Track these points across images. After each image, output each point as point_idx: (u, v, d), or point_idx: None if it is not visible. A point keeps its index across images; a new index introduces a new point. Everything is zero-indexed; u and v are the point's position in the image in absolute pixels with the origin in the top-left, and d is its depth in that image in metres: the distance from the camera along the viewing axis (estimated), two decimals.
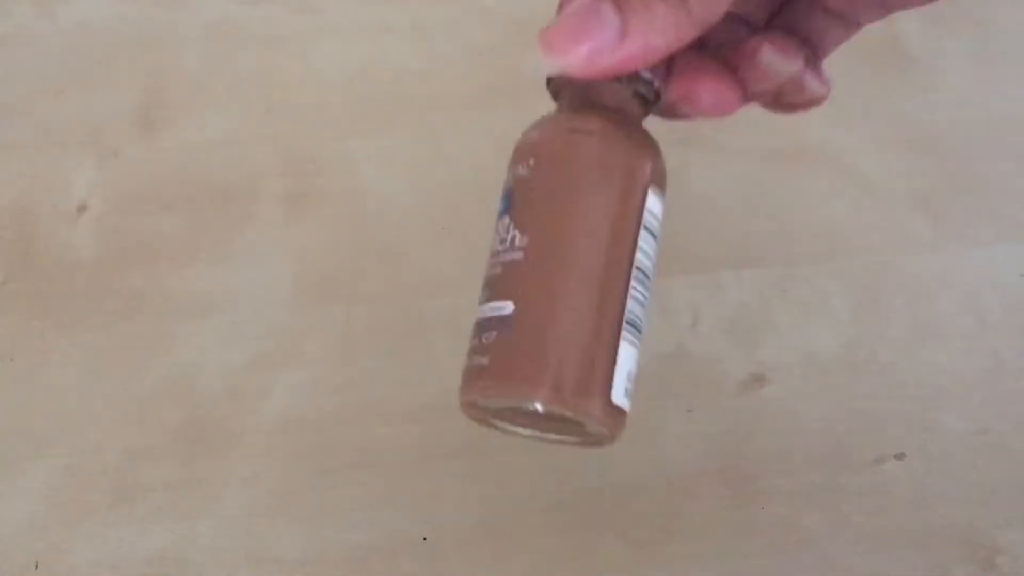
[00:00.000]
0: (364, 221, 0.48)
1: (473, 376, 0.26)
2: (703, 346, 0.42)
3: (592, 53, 0.25)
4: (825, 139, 0.54)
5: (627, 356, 0.27)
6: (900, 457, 0.37)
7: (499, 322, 0.26)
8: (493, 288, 0.27)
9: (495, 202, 0.28)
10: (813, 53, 0.30)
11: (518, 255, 0.26)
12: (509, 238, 0.27)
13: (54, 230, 0.48)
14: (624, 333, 0.27)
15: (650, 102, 0.28)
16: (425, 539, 0.34)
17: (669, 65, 0.28)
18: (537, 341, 0.26)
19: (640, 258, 0.27)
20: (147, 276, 0.45)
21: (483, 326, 0.27)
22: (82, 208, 0.49)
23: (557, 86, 0.28)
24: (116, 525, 0.35)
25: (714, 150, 0.53)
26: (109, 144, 0.53)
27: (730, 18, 0.30)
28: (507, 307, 0.26)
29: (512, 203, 0.27)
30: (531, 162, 0.27)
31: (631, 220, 0.27)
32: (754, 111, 0.31)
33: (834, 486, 0.36)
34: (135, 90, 0.57)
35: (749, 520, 0.35)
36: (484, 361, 0.26)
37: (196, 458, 0.37)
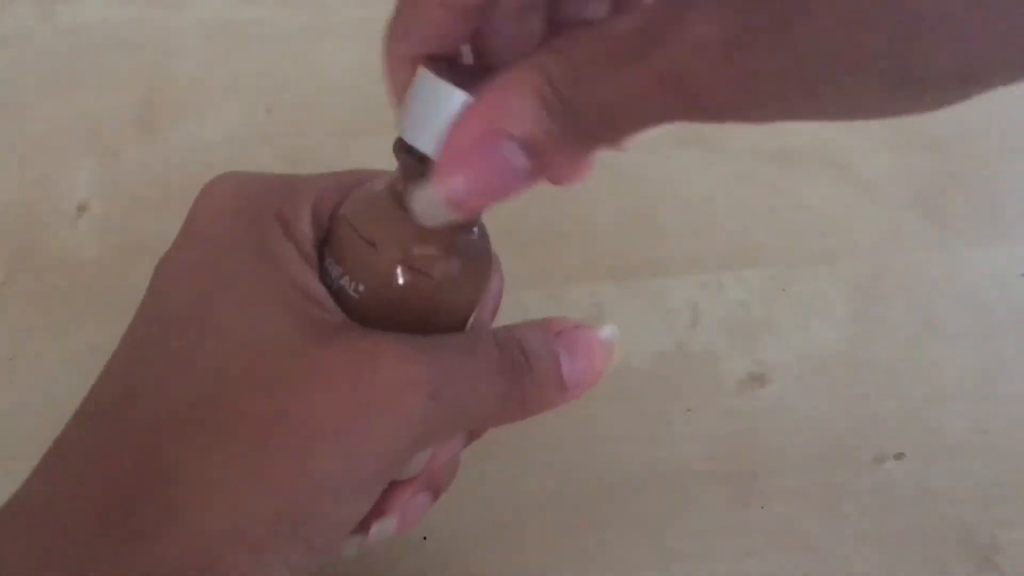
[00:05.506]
0: None
1: None
2: (703, 346, 0.42)
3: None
4: (825, 139, 0.54)
5: None
6: (900, 457, 0.37)
7: None
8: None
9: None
10: None
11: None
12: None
13: (54, 230, 0.48)
14: None
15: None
16: (425, 539, 0.34)
17: None
18: None
19: None
20: (147, 276, 0.45)
21: None
22: (82, 208, 0.49)
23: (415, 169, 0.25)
24: None
25: (714, 150, 0.53)
26: (109, 144, 0.53)
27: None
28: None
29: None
30: (360, 287, 0.25)
31: None
32: None
33: (834, 486, 0.36)
34: (135, 90, 0.57)
35: (749, 520, 0.35)
36: None
37: None
